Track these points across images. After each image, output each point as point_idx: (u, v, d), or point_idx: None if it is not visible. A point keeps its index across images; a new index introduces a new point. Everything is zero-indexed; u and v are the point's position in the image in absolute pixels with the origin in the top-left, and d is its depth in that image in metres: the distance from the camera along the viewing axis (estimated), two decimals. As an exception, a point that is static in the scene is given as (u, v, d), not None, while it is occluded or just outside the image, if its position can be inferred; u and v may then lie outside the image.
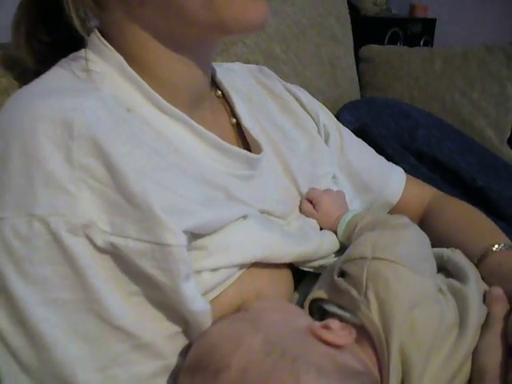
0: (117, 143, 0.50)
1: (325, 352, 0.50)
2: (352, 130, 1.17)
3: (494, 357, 0.59)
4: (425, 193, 0.94)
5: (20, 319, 0.48)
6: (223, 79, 0.75)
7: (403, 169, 1.03)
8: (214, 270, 0.53)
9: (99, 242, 0.48)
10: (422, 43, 2.54)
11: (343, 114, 1.40)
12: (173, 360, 0.52)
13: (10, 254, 0.47)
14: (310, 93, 1.36)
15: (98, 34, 0.60)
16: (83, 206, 0.48)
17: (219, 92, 0.74)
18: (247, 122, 0.72)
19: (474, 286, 0.64)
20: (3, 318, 0.48)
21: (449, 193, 1.16)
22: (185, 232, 0.49)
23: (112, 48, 0.59)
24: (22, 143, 0.48)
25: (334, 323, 0.54)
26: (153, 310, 0.50)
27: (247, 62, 1.24)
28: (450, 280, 0.67)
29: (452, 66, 1.87)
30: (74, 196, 0.47)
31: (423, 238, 0.67)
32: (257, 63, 1.25)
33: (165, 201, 0.49)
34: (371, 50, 1.99)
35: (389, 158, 1.07)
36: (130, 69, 0.58)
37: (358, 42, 2.02)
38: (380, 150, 1.11)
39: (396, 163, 1.06)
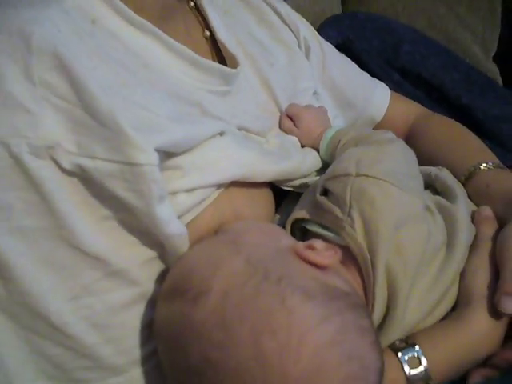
0: (81, 57, 0.47)
1: (310, 273, 0.49)
2: (335, 46, 1.14)
3: (481, 278, 0.59)
4: (410, 110, 0.93)
5: None
6: None
7: (388, 87, 1.02)
8: (190, 190, 0.51)
9: (65, 164, 0.45)
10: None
11: (325, 29, 1.35)
12: (149, 287, 0.51)
13: None
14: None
15: None
16: (46, 126, 0.45)
17: (192, 3, 0.70)
18: (222, 35, 0.68)
19: (463, 205, 0.63)
20: None
21: (433, 110, 1.15)
22: (156, 150, 0.46)
23: None
24: None
25: (318, 243, 0.52)
26: (126, 234, 0.49)
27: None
28: (438, 198, 0.66)
29: (436, -22, 1.83)
30: (35, 115, 0.44)
31: (410, 154, 0.65)
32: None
33: (134, 118, 0.46)
34: (354, -39, 1.91)
35: (372, 75, 1.05)
36: None
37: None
38: (363, 66, 1.09)
39: (380, 80, 1.04)
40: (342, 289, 0.50)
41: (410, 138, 0.87)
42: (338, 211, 0.57)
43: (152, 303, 0.51)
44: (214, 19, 0.70)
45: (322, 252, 0.52)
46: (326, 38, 1.25)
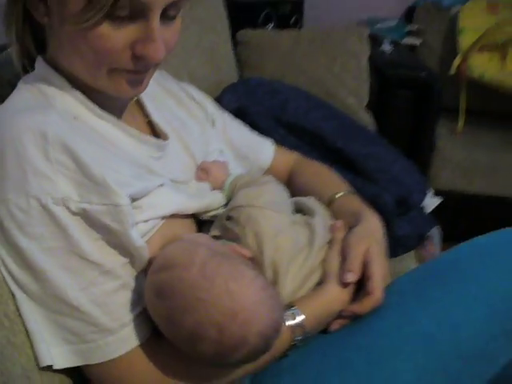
0: (77, 143, 0.76)
1: (245, 261, 0.80)
2: (233, 109, 1.46)
3: (334, 263, 0.92)
4: (289, 158, 1.26)
5: (26, 264, 0.74)
6: None
7: (274, 139, 1.33)
8: (146, 221, 0.81)
9: (73, 208, 0.74)
10: (292, 21, 2.84)
11: (224, 96, 1.68)
12: (126, 280, 0.79)
13: (15, 222, 0.73)
14: (195, 79, 1.64)
15: (44, 63, 0.85)
16: (61, 187, 0.73)
17: (134, 98, 1.01)
18: (155, 118, 0.99)
19: (319, 220, 0.96)
20: (13, 265, 0.74)
21: (315, 155, 1.47)
22: (128, 197, 0.77)
23: (56, 73, 0.84)
24: (13, 148, 0.73)
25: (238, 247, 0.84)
26: (110, 248, 0.77)
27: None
28: (305, 217, 0.99)
29: (315, 44, 2.20)
30: (54, 181, 0.73)
31: (281, 190, 0.99)
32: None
33: (114, 178, 0.76)
34: (246, 34, 2.27)
35: (262, 131, 1.36)
36: (72, 89, 0.84)
37: (236, 27, 2.28)
38: (255, 125, 1.41)
39: (268, 135, 1.36)
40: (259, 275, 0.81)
41: (291, 178, 1.20)
42: (236, 229, 0.89)
43: (129, 288, 0.80)
44: (149, 107, 1.00)
45: (242, 250, 0.84)
46: (226, 104, 1.58)
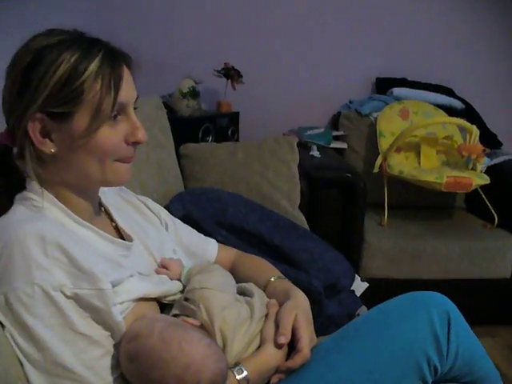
0: (67, 242, 1.00)
1: (193, 327, 1.07)
2: (181, 216, 1.75)
3: (270, 331, 1.18)
4: (231, 254, 1.54)
5: (31, 338, 0.95)
6: (103, 199, 1.29)
7: (217, 239, 1.62)
8: (121, 303, 1.07)
9: (68, 293, 0.97)
10: (229, 133, 3.19)
11: (172, 205, 1.95)
12: (109, 348, 1.03)
13: (23, 305, 0.95)
14: (146, 191, 1.93)
15: (36, 183, 1.08)
16: (57, 277, 0.97)
17: (103, 208, 1.29)
18: (121, 224, 1.26)
19: (257, 299, 1.24)
20: (21, 339, 0.96)
21: (254, 252, 1.76)
22: (109, 283, 1.03)
23: (45, 191, 1.08)
24: (19, 249, 0.96)
25: (191, 320, 1.11)
26: (96, 324, 1.01)
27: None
28: (246, 297, 1.27)
29: (250, 154, 2.52)
30: (52, 272, 0.96)
31: (226, 275, 1.27)
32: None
33: (98, 269, 1.03)
34: (188, 148, 2.58)
35: (207, 233, 1.65)
36: (58, 203, 1.09)
37: (179, 140, 2.61)
38: (200, 228, 1.69)
39: (212, 236, 1.64)
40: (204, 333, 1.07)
41: (233, 270, 1.47)
42: (193, 307, 1.15)
43: (111, 355, 1.02)
44: (115, 215, 1.27)
45: (194, 322, 1.10)
46: (174, 211, 1.86)
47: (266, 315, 1.23)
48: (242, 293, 1.30)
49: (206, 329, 1.11)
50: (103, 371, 1.01)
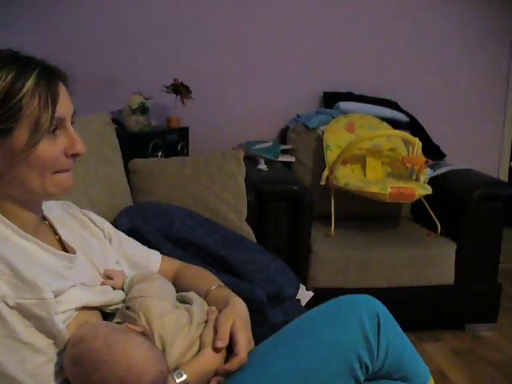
0: (10, 255, 1.05)
1: (136, 332, 1.13)
2: (127, 229, 1.81)
3: (208, 336, 1.25)
4: (173, 265, 1.60)
5: None
6: (47, 213, 1.35)
7: (163, 252, 1.67)
8: (64, 311, 1.13)
9: (11, 303, 1.01)
10: (179, 148, 3.26)
11: (120, 219, 2.00)
12: (52, 356, 1.07)
13: None
14: (94, 206, 1.98)
15: None
16: (0, 288, 1.02)
17: (46, 222, 1.34)
18: (64, 237, 1.31)
19: (197, 306, 1.31)
20: None
21: (200, 263, 1.82)
22: (51, 292, 1.09)
23: None
24: None
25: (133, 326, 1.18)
26: (39, 333, 1.06)
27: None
28: (186, 305, 1.34)
29: (198, 169, 2.59)
30: None
31: (166, 283, 1.34)
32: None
33: (40, 280, 1.08)
34: (136, 163, 2.64)
35: (153, 246, 1.70)
36: (2, 217, 1.12)
37: (129, 156, 2.67)
38: (146, 241, 1.75)
39: (158, 249, 1.70)
40: (145, 337, 1.13)
41: (175, 280, 1.53)
42: (133, 314, 1.21)
43: (54, 362, 1.07)
44: (59, 229, 1.31)
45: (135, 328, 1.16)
46: (121, 225, 1.92)
47: (206, 322, 1.30)
48: (182, 301, 1.36)
49: (146, 335, 1.18)
50: (46, 378, 1.06)
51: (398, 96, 3.63)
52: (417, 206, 3.21)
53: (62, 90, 1.16)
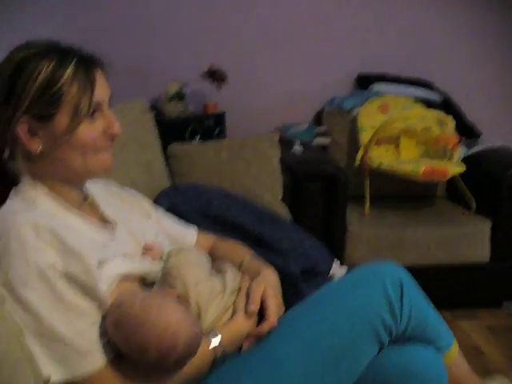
0: (57, 227, 1.16)
1: (171, 297, 1.22)
2: (166, 209, 1.91)
3: (241, 302, 1.33)
4: (209, 239, 1.69)
5: (28, 309, 1.10)
6: (90, 190, 1.45)
7: (201, 228, 1.80)
8: (107, 279, 1.22)
9: (59, 270, 1.13)
10: (216, 133, 3.35)
11: (159, 199, 2.12)
12: (96, 318, 1.16)
13: (20, 281, 1.10)
14: (135, 187, 2.08)
15: (31, 179, 1.25)
16: (50, 256, 1.12)
17: (89, 197, 1.44)
18: (106, 212, 1.41)
19: (230, 275, 1.40)
20: (20, 311, 1.10)
21: (235, 238, 1.91)
22: (96, 261, 1.19)
23: (39, 184, 1.24)
24: (15, 235, 1.11)
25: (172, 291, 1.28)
26: (84, 297, 1.16)
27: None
28: (220, 273, 1.43)
29: (234, 152, 2.69)
30: (45, 253, 1.12)
31: (202, 254, 1.44)
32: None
33: (85, 250, 1.19)
34: (175, 148, 2.75)
35: (191, 223, 1.81)
36: (51, 193, 1.24)
37: (167, 141, 2.79)
38: (185, 219, 1.83)
39: (197, 225, 1.82)
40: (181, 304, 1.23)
41: (211, 253, 1.62)
42: (171, 283, 1.31)
43: (98, 324, 1.16)
44: (101, 205, 1.41)
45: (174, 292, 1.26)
46: (160, 205, 2.02)
47: (239, 290, 1.39)
48: (217, 270, 1.46)
49: (183, 301, 1.28)
50: (92, 338, 1.16)
51: (433, 76, 3.64)
52: (452, 184, 3.24)
53: (100, 76, 1.26)
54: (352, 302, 1.32)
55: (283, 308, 1.39)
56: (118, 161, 2.12)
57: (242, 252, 1.60)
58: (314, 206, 2.89)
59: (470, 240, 2.97)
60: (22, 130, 1.21)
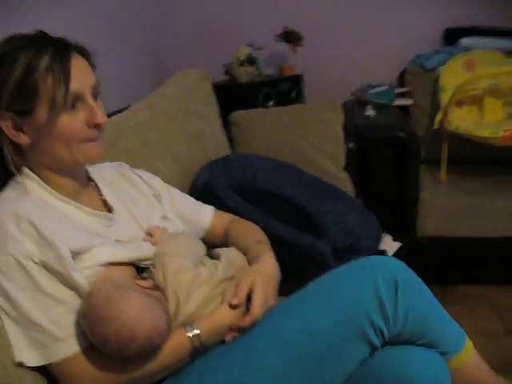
0: (38, 218, 1.16)
1: (138, 289, 1.22)
2: (202, 183, 1.90)
3: (229, 292, 1.28)
4: (225, 219, 1.66)
5: (7, 297, 1.13)
6: (93, 175, 1.46)
7: (229, 205, 1.77)
8: (89, 267, 1.20)
9: (36, 260, 1.14)
10: (293, 96, 3.28)
11: (201, 173, 2.07)
12: (73, 306, 1.17)
13: (0, 271, 1.14)
14: (177, 161, 2.08)
15: (27, 170, 1.26)
16: (28, 247, 1.14)
17: (92, 182, 1.44)
18: (108, 196, 1.41)
19: (223, 263, 1.36)
20: (0, 299, 1.15)
21: (280, 214, 1.89)
22: (71, 252, 1.19)
23: (33, 174, 1.26)
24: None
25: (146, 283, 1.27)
26: (61, 285, 1.17)
27: (128, 150, 1.89)
28: (214, 260, 1.40)
29: (295, 118, 2.62)
30: (22, 243, 1.14)
31: (192, 241, 1.40)
32: (136, 149, 1.92)
33: (61, 240, 1.16)
34: (236, 115, 2.69)
35: (219, 199, 1.80)
36: (42, 183, 1.25)
37: (238, 106, 2.75)
38: (214, 194, 1.85)
39: (224, 202, 1.79)
40: (159, 296, 1.21)
41: (226, 233, 1.60)
42: (153, 271, 1.28)
43: (75, 312, 1.17)
44: (103, 189, 1.42)
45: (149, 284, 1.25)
46: (199, 179, 2.01)
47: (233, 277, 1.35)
48: (212, 257, 1.43)
49: (161, 290, 1.26)
50: (67, 326, 1.17)
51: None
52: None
53: (81, 65, 1.24)
54: (337, 299, 1.25)
55: (275, 299, 1.33)
56: (161, 136, 2.16)
57: (251, 235, 1.56)
58: (383, 173, 2.76)
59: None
60: (6, 126, 1.22)
